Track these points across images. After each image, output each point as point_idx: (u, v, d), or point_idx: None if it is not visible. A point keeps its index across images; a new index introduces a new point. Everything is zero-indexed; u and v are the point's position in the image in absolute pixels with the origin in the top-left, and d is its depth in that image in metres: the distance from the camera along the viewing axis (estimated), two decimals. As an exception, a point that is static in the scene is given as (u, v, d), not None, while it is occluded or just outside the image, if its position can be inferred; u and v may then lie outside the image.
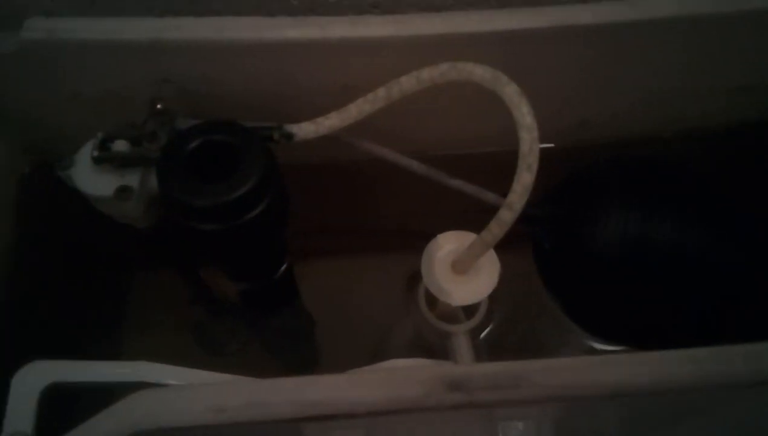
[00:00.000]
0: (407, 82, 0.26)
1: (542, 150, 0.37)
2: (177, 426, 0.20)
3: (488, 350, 0.33)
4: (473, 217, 0.28)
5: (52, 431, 0.22)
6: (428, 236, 0.30)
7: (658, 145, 0.37)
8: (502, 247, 0.29)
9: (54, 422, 0.23)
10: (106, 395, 0.24)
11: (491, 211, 0.26)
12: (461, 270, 0.28)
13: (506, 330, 0.33)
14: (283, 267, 0.33)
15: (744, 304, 0.31)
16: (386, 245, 0.37)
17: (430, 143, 0.34)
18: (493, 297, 0.30)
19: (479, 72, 0.24)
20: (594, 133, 0.36)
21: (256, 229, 0.27)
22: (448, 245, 0.29)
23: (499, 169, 0.26)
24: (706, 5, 0.29)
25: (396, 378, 0.21)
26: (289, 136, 0.27)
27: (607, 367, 0.21)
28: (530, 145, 0.23)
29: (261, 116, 0.29)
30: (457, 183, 0.30)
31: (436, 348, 0.32)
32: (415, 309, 0.31)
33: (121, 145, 0.28)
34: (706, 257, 0.29)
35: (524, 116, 0.23)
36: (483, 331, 0.32)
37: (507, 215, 0.25)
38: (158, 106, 0.27)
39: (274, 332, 0.36)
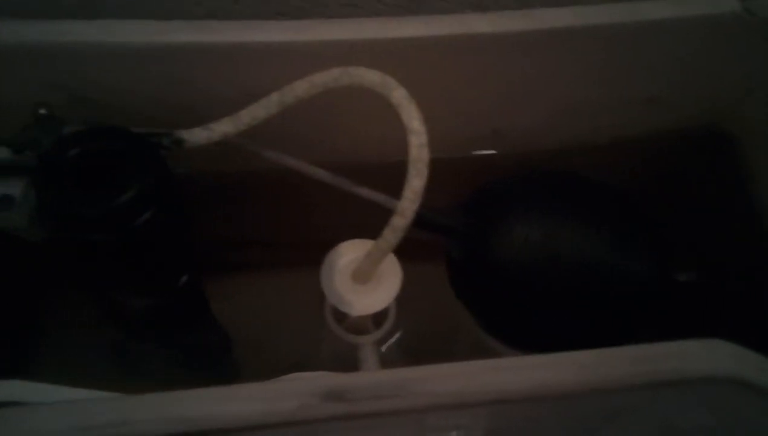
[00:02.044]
0: (300, 87, 0.25)
1: (484, 157, 0.35)
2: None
3: (403, 356, 0.32)
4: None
5: None
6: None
7: (574, 155, 0.38)
8: (417, 255, 0.28)
9: None
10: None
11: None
12: (362, 279, 0.28)
13: (422, 337, 0.33)
14: (184, 279, 0.31)
15: (652, 308, 0.31)
16: (301, 256, 0.36)
17: (358, 151, 0.34)
18: (403, 306, 0.30)
19: (369, 76, 0.24)
20: (508, 143, 0.36)
21: (144, 239, 0.25)
22: (349, 254, 0.28)
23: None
24: (603, 16, 0.30)
25: (272, 391, 0.20)
26: (179, 142, 0.26)
27: (491, 372, 0.21)
28: (419, 150, 0.23)
29: (160, 123, 0.28)
30: (364, 191, 0.30)
31: (351, 360, 0.31)
32: (325, 322, 0.31)
33: (2, 153, 0.27)
34: (610, 266, 0.29)
35: (412, 120, 0.23)
36: (391, 339, 0.31)
37: (399, 222, 0.24)
38: (41, 111, 0.26)
39: (193, 350, 0.34)
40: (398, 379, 0.20)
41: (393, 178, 0.30)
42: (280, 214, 0.36)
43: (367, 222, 0.34)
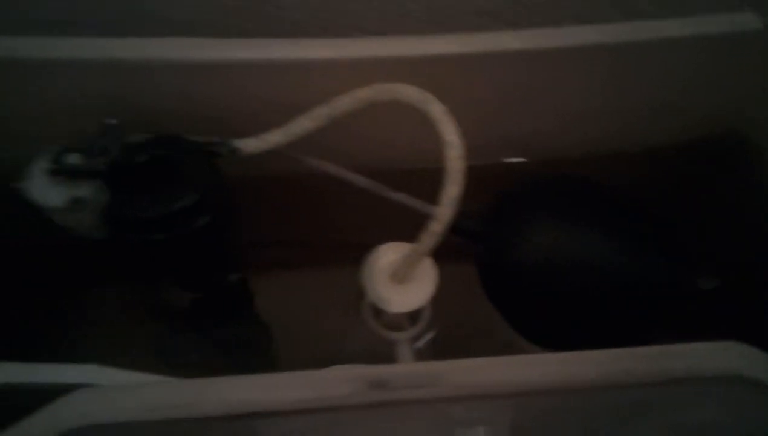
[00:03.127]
0: (346, 101, 0.28)
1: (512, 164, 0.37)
2: (109, 423, 0.21)
3: (435, 354, 0.34)
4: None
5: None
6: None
7: (597, 163, 0.39)
8: (453, 258, 0.30)
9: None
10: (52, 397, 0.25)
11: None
12: (399, 279, 0.30)
13: (456, 337, 0.34)
14: (235, 276, 0.34)
15: (673, 313, 0.33)
16: (340, 256, 0.38)
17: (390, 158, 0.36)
18: (439, 307, 0.32)
19: (409, 92, 0.26)
20: (533, 152, 0.38)
21: (200, 239, 0.28)
22: (387, 255, 0.30)
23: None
24: (629, 33, 0.32)
25: (323, 378, 0.23)
26: (234, 151, 0.28)
27: (515, 367, 0.23)
28: (456, 161, 0.25)
29: (215, 132, 0.30)
30: (400, 197, 0.32)
31: (383, 356, 0.33)
32: (363, 319, 0.33)
33: (74, 158, 0.29)
34: (631, 271, 0.31)
35: (449, 134, 0.25)
36: (424, 338, 0.33)
37: (436, 227, 0.26)
38: (110, 121, 0.29)
39: (234, 344, 0.36)
40: (433, 370, 0.23)
41: (418, 183, 0.32)
42: (320, 217, 0.38)
43: (399, 225, 0.36)
